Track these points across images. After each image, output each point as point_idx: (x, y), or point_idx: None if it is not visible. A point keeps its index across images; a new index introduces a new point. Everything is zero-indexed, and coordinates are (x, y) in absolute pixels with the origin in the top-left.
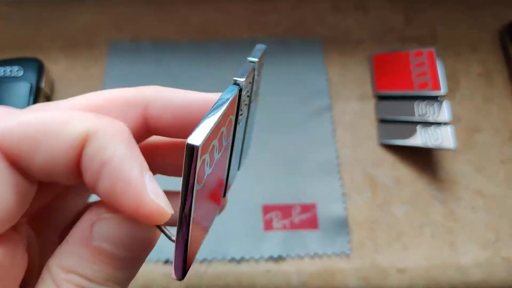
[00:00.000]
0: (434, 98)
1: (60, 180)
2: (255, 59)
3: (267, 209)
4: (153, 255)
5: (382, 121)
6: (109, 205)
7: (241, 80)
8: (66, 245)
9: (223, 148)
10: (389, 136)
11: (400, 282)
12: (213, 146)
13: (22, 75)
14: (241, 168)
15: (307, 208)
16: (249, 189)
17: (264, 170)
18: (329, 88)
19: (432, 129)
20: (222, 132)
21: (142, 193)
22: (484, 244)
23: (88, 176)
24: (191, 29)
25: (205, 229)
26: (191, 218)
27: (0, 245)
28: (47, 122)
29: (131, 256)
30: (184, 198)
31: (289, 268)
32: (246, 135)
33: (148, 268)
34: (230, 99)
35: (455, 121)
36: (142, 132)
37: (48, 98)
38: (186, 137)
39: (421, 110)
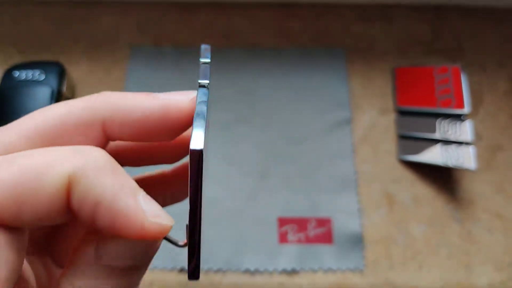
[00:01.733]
0: (457, 117)
1: (52, 223)
2: (208, 60)
3: (282, 222)
4: (168, 263)
5: (403, 137)
6: None
7: (206, 82)
8: (75, 267)
9: None
10: (409, 153)
11: None
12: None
13: (43, 79)
14: None
15: (323, 222)
16: (265, 201)
17: (281, 182)
18: (350, 100)
19: (453, 148)
20: None
21: (143, 221)
22: (500, 267)
23: (82, 216)
24: (214, 34)
25: None
26: (201, 220)
27: None
28: (25, 177)
29: (140, 264)
30: (195, 204)
31: (302, 281)
32: None
33: (163, 277)
34: (207, 103)
35: (477, 139)
36: (104, 145)
37: None
38: (148, 140)
39: (443, 128)
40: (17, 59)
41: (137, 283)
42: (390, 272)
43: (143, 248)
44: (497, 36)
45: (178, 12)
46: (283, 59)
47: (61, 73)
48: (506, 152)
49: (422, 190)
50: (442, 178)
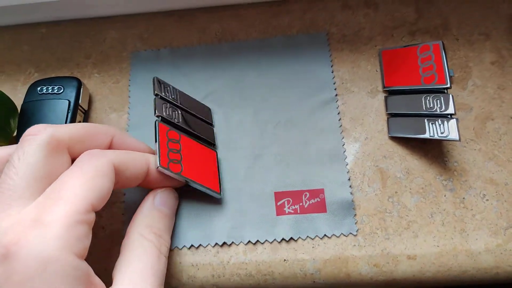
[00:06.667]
0: (441, 91)
1: (134, 184)
2: (155, 94)
3: (278, 196)
4: (180, 242)
5: (392, 115)
6: (158, 187)
7: (157, 114)
8: (141, 214)
9: (179, 138)
10: (399, 129)
11: (411, 268)
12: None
13: (61, 93)
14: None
15: (316, 193)
16: (260, 179)
17: (274, 161)
18: (340, 85)
19: (439, 122)
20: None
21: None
22: (496, 231)
23: (153, 179)
24: (209, 37)
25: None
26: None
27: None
28: (130, 160)
29: (172, 212)
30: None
31: (304, 257)
32: (197, 111)
33: (177, 259)
34: (157, 132)
35: (466, 111)
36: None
37: (85, 113)
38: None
39: (429, 103)
40: (36, 78)
41: (170, 230)
42: (386, 242)
43: (173, 198)
44: (481, 7)
45: (176, 20)
46: (269, 48)
47: (78, 87)
48: (495, 120)
49: (414, 164)
50: (433, 150)
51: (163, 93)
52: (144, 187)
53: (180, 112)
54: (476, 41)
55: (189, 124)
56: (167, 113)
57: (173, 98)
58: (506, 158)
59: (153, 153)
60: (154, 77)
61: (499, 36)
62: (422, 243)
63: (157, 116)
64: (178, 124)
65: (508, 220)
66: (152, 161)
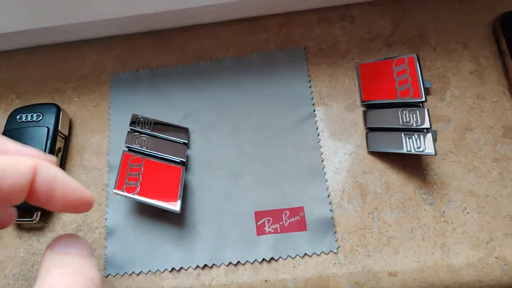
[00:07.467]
0: (416, 105)
1: (18, 199)
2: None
3: (259, 216)
4: (162, 266)
5: (371, 129)
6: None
7: (126, 145)
8: (42, 276)
9: (142, 161)
10: (377, 144)
11: (392, 284)
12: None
13: (40, 120)
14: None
15: (296, 211)
16: (241, 198)
17: (254, 180)
18: (319, 100)
19: (415, 136)
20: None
21: (84, 190)
22: (477, 245)
23: (42, 191)
24: (187, 56)
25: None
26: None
27: None
28: (9, 165)
29: (84, 251)
30: None
31: (285, 276)
32: (169, 134)
33: (158, 283)
34: (121, 160)
35: (445, 122)
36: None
37: (65, 138)
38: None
39: (405, 117)
40: (17, 104)
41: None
42: (367, 259)
43: (78, 238)
44: (459, 17)
45: (154, 41)
46: (246, 66)
47: (57, 113)
48: (474, 130)
49: (393, 178)
50: (412, 164)
51: (137, 127)
52: (34, 204)
53: (149, 139)
54: (454, 50)
55: (156, 148)
56: (136, 142)
57: (147, 128)
58: (486, 169)
59: (45, 158)
60: (132, 114)
61: (478, 44)
62: (403, 259)
63: (126, 147)
64: (144, 150)
65: (489, 233)
66: (42, 166)
